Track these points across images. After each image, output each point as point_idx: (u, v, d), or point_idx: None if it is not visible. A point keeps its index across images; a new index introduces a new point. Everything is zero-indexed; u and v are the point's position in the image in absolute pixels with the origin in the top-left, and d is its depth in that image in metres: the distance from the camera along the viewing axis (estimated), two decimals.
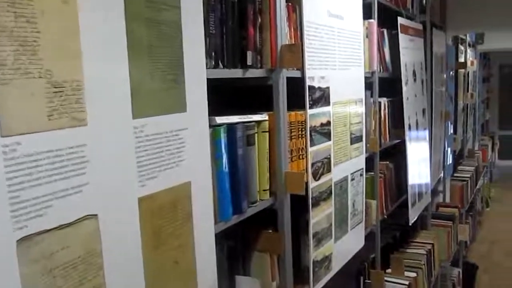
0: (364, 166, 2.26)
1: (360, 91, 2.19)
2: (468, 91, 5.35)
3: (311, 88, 1.74)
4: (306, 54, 1.68)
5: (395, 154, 2.91)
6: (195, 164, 1.15)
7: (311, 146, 1.74)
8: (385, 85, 2.72)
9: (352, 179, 2.14)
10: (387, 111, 2.70)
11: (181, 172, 1.11)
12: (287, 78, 1.61)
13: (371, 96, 2.42)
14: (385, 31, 2.60)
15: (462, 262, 4.11)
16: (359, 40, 2.14)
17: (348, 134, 2.07)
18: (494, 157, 8.17)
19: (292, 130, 1.63)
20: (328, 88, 1.86)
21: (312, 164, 1.76)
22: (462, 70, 4.84)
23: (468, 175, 4.88)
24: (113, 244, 0.93)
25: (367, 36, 2.31)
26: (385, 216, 2.65)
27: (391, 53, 2.71)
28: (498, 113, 9.19)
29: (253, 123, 1.43)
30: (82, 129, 0.86)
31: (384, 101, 2.66)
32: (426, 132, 3.18)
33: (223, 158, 1.30)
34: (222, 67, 1.27)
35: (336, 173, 1.96)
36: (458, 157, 5.34)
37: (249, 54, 1.36)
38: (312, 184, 1.76)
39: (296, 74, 1.66)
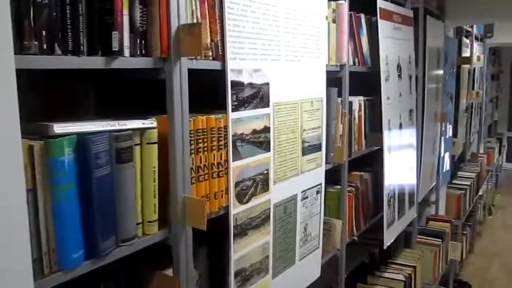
0: (323, 181, 1.84)
1: (319, 88, 1.77)
2: (473, 89, 4.88)
3: (237, 84, 1.32)
4: (228, 40, 1.27)
5: (374, 162, 2.49)
6: None
7: (235, 160, 1.34)
8: (364, 81, 2.29)
9: (304, 198, 1.73)
10: (363, 112, 2.28)
11: None
12: (204, 71, 1.22)
13: (339, 95, 2.00)
14: (362, 16, 2.17)
15: (453, 281, 3.68)
16: (317, 25, 1.71)
17: (299, 142, 1.66)
18: (501, 160, 7.67)
19: (201, 140, 1.22)
20: (266, 84, 1.45)
21: (237, 184, 1.36)
22: (466, 66, 4.37)
23: (468, 182, 4.41)
24: None
25: (334, 21, 1.89)
26: (355, 238, 2.25)
27: (371, 43, 2.27)
28: (508, 113, 8.61)
29: (129, 132, 1.03)
30: None
31: (359, 100, 2.24)
32: (413, 137, 2.75)
33: (66, 185, 0.91)
34: (60, 53, 0.87)
35: (278, 193, 1.55)
36: (459, 162, 4.89)
37: (115, 36, 0.95)
38: (236, 209, 1.36)
39: (213, 65, 1.25)
